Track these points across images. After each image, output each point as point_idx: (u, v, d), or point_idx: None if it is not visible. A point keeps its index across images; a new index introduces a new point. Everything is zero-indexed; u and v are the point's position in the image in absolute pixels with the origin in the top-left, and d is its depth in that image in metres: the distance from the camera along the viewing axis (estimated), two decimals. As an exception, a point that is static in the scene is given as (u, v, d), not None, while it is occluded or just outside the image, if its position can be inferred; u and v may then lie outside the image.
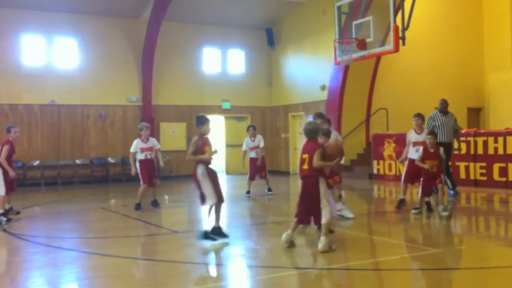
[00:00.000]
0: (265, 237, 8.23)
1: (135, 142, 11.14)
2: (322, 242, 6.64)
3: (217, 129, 22.07)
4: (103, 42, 18.95)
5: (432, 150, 9.34)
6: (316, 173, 6.69)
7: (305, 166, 6.74)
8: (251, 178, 13.24)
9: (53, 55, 18.36)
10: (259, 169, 13.23)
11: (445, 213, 9.23)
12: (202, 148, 7.45)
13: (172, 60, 19.98)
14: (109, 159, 18.96)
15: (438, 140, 11.94)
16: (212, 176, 7.54)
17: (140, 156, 10.98)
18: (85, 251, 7.43)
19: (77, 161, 18.47)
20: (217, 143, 22.17)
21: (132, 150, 11.09)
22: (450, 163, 12.20)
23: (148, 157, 11.03)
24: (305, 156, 6.76)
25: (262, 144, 13.29)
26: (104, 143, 19.03)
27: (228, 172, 21.29)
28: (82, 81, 18.57)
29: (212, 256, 7.13)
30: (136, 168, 10.93)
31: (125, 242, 8.14)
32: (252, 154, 13.19)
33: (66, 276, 6.12)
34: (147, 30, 19.00)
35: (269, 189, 13.35)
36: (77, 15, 18.37)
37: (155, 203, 11.29)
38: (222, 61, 21.28)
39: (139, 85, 19.52)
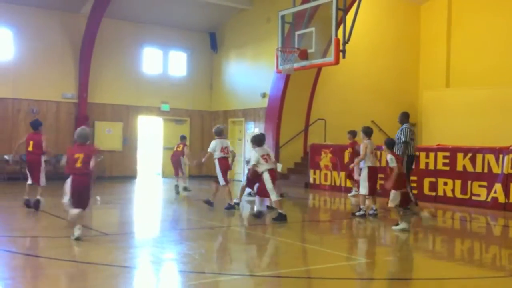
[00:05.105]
0: (199, 242, 8.10)
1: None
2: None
3: (155, 131, 21.75)
4: (39, 35, 18.21)
5: None
6: None
7: None
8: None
9: (-15, 45, 17.54)
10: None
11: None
12: None
13: (111, 58, 19.46)
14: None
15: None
16: None
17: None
18: (10, 250, 7.10)
19: (6, 157, 17.62)
20: (154, 145, 21.85)
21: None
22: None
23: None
24: None
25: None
26: (35, 140, 18.22)
27: (164, 175, 20.89)
28: (15, 74, 17.77)
29: (141, 260, 6.92)
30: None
31: (52, 242, 7.82)
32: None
33: (-14, 276, 5.80)
34: (86, 26, 18.45)
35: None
36: (13, 6, 17.58)
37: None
38: (163, 62, 20.97)
39: (75, 82, 18.90)
